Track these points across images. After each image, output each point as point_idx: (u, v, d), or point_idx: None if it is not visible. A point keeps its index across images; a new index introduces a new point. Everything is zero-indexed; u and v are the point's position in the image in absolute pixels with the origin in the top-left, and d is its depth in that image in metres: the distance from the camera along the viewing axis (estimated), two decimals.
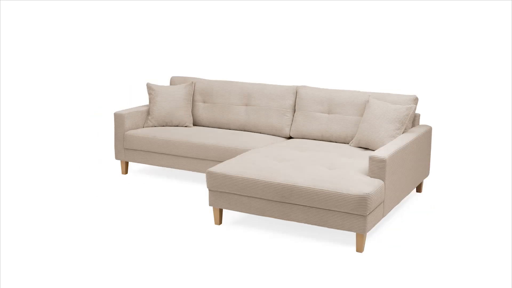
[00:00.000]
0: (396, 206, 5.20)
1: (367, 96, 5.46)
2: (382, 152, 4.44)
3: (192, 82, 6.28)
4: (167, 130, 5.92)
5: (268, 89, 5.93)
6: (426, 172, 5.50)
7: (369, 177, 4.39)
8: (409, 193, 5.04)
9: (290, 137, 5.85)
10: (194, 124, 6.28)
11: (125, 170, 6.09)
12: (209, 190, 4.68)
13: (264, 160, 4.80)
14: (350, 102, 5.50)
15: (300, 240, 4.48)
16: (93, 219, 4.86)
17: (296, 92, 5.83)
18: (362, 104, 5.44)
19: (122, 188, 5.68)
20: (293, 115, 5.80)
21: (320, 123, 5.58)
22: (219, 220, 4.74)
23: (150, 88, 6.19)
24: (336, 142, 5.53)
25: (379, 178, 4.39)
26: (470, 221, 4.88)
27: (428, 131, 5.36)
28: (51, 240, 4.43)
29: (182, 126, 6.13)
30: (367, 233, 4.52)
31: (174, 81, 6.47)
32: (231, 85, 6.14)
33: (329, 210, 4.25)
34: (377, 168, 4.39)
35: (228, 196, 4.60)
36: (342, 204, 4.17)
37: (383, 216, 4.49)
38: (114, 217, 4.91)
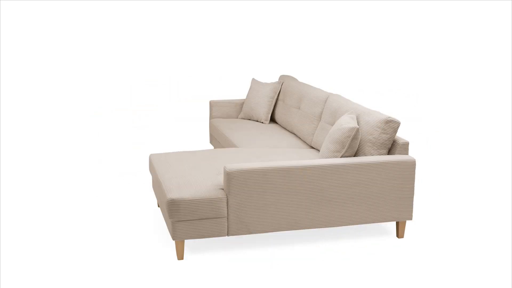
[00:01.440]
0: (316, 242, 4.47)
1: (355, 112, 4.72)
2: (235, 166, 4.10)
3: (281, 81, 6.39)
4: (235, 122, 6.30)
5: (311, 94, 5.63)
6: (404, 215, 4.44)
7: (219, 188, 4.15)
8: (327, 226, 4.29)
9: (312, 147, 5.46)
10: (272, 121, 6.42)
11: None
12: (152, 175, 5.13)
13: (201, 157, 4.91)
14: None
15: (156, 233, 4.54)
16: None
17: (326, 100, 5.39)
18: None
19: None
20: (318, 123, 5.40)
21: (325, 135, 5.09)
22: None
23: (251, 83, 6.62)
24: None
25: (226, 192, 4.10)
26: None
27: (401, 164, 4.33)
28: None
29: (259, 122, 6.37)
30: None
31: (280, 79, 6.67)
32: (297, 87, 6.03)
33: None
34: (225, 180, 4.11)
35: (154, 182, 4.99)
36: (165, 206, 4.16)
37: (229, 234, 4.13)
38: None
